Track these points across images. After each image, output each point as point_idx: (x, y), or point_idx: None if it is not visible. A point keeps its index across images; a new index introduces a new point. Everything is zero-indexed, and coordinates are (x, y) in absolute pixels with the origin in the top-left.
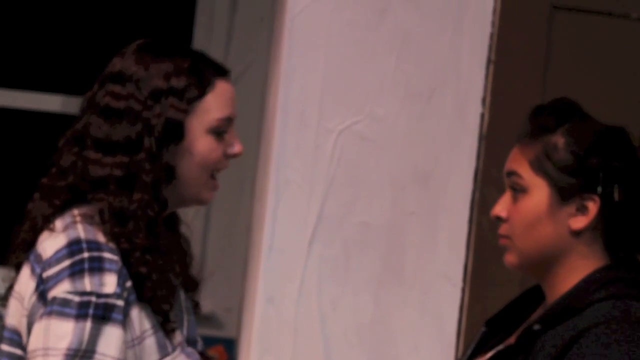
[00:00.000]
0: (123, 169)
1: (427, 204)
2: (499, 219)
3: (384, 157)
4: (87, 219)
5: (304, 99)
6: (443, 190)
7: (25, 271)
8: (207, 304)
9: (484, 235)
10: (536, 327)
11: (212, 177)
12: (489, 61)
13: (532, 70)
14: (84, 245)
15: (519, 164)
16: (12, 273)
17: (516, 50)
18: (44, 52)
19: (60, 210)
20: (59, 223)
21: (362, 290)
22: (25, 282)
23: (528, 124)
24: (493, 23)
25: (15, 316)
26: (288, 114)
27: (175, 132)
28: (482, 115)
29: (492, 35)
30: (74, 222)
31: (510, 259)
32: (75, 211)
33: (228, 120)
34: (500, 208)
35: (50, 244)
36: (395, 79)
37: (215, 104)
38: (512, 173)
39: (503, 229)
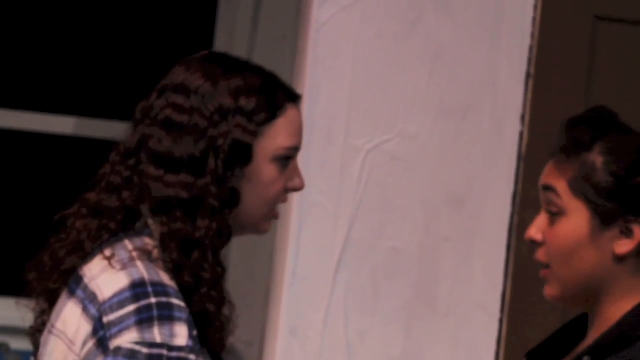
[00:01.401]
0: (189, 190)
1: (461, 229)
2: (534, 243)
3: (416, 179)
4: (145, 255)
5: (330, 116)
6: (479, 214)
7: (72, 308)
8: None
9: (523, 262)
10: (586, 359)
11: (274, 206)
12: (528, 75)
13: (574, 85)
14: (150, 289)
15: (557, 180)
16: (41, 301)
17: (557, 63)
18: (54, 71)
19: (112, 236)
20: (115, 257)
21: (392, 321)
22: (75, 322)
23: (563, 137)
24: (532, 35)
25: (58, 359)
26: (313, 131)
27: (242, 155)
28: (521, 134)
29: (531, 47)
30: (132, 259)
31: (550, 291)
32: (129, 244)
33: (295, 150)
34: (535, 230)
35: (108, 282)
36: (427, 94)
37: (284, 130)
38: (548, 188)
39: (540, 255)
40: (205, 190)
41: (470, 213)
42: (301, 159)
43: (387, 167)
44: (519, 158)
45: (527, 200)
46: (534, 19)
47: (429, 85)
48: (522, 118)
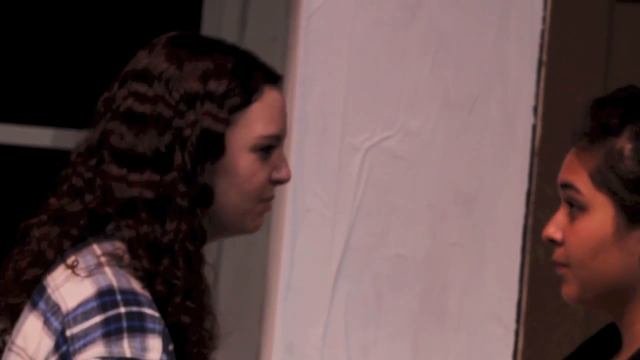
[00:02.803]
0: (153, 189)
1: (471, 233)
2: (552, 242)
3: (420, 178)
4: (115, 260)
5: (325, 112)
6: (490, 216)
7: (33, 322)
8: (218, 357)
9: (540, 268)
10: None
11: (261, 200)
12: (540, 63)
13: (591, 72)
14: (119, 297)
15: (576, 174)
16: (2, 319)
17: (571, 49)
18: (31, 80)
19: (76, 243)
20: (80, 263)
21: (397, 336)
22: (35, 337)
23: (587, 120)
24: (544, 19)
25: None
26: (307, 130)
27: (213, 147)
28: (534, 127)
29: (543, 32)
30: (100, 265)
31: (568, 291)
32: (97, 248)
33: (276, 139)
34: (554, 228)
35: (72, 291)
36: (431, 86)
37: (262, 116)
38: (567, 185)
39: (558, 255)
40: (172, 188)
41: (480, 215)
42: (294, 160)
43: (388, 167)
44: (532, 153)
45: (542, 199)
46: (545, 1)
47: (432, 76)
48: (535, 110)
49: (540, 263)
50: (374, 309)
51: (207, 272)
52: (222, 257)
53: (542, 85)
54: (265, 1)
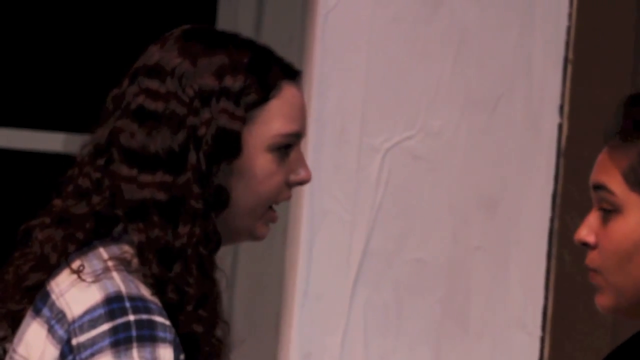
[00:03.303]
0: (166, 191)
1: (495, 237)
2: (585, 246)
3: (442, 180)
4: (123, 265)
5: (343, 112)
6: (514, 219)
7: (37, 329)
8: None
9: (566, 273)
10: None
11: (270, 207)
12: (565, 60)
13: (619, 69)
14: (128, 304)
15: (609, 175)
16: (2, 326)
17: (599, 46)
18: (41, 84)
19: (82, 247)
20: (86, 267)
21: (418, 344)
22: (39, 345)
23: (619, 118)
24: (570, 15)
25: None
26: (324, 130)
27: (229, 146)
28: (560, 127)
29: (569, 29)
30: (107, 269)
31: (603, 301)
32: (104, 252)
33: (296, 137)
34: (587, 231)
35: (77, 297)
36: (452, 84)
37: (280, 113)
38: (599, 187)
39: (591, 260)
40: (186, 189)
41: (504, 218)
42: (312, 162)
43: (408, 168)
44: (558, 154)
45: (569, 201)
46: None
47: (454, 74)
48: (561, 109)
49: (566, 268)
50: (394, 316)
51: (220, 278)
52: (238, 263)
53: (568, 83)
54: (281, 1)
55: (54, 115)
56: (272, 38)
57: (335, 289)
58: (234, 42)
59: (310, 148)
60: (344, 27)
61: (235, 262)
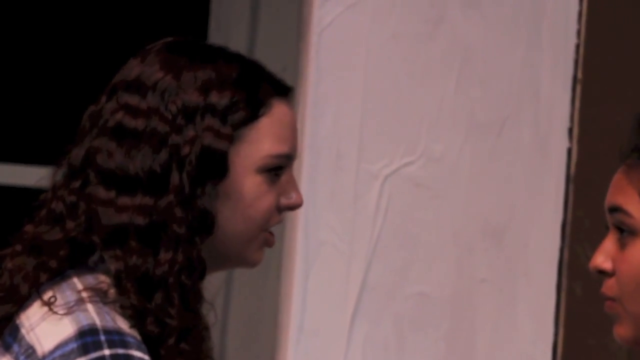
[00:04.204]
0: (146, 215)
1: (502, 268)
2: (602, 274)
3: (445, 208)
4: (98, 296)
5: (339, 136)
6: (522, 249)
7: None
8: None
9: (578, 306)
10: None
11: (266, 228)
12: (575, 80)
13: (631, 89)
14: (103, 338)
15: (625, 195)
16: None
17: (610, 64)
18: (27, 118)
19: (55, 276)
20: (58, 298)
21: None
22: None
23: (635, 136)
24: (579, 32)
25: None
26: (319, 155)
27: (215, 167)
28: (569, 151)
29: (577, 47)
30: (81, 301)
31: (622, 331)
32: (78, 282)
33: (286, 158)
34: (603, 258)
35: (49, 331)
36: (455, 106)
37: (270, 132)
38: (616, 209)
39: (608, 287)
40: (167, 213)
41: (511, 248)
42: (306, 189)
43: (409, 196)
44: (568, 179)
45: (579, 230)
46: (580, 12)
47: (457, 95)
48: (570, 132)
49: (577, 301)
50: (394, 353)
51: (208, 310)
52: (231, 297)
53: (577, 104)
54: (274, 17)
55: (42, 149)
56: (263, 56)
57: (332, 324)
58: (221, 56)
59: (305, 175)
60: (340, 45)
61: (228, 297)
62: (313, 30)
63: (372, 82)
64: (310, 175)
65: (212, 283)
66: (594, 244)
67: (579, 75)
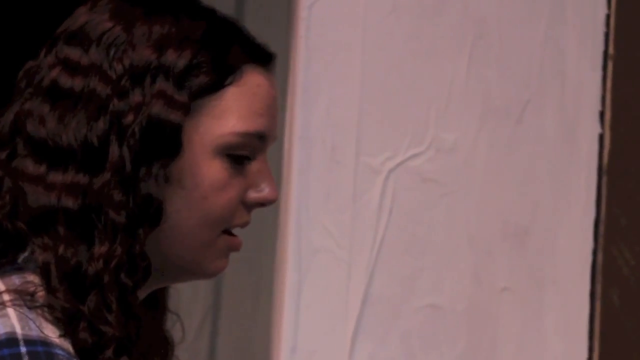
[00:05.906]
0: (77, 196)
1: (525, 274)
2: None
3: (458, 207)
4: (22, 299)
5: (334, 126)
6: (549, 254)
7: None
8: None
9: (614, 317)
10: None
11: (227, 228)
12: (605, 57)
13: None
14: (23, 350)
15: None
16: None
17: None
18: None
19: None
20: None
21: None
22: None
23: None
24: (608, 2)
25: None
26: (311, 148)
27: (164, 142)
28: (601, 138)
29: (608, 17)
30: (1, 305)
31: None
32: (0, 284)
33: (258, 139)
34: None
35: None
36: (468, 90)
37: (238, 106)
38: None
39: None
40: (103, 195)
41: (536, 252)
42: (297, 187)
43: (417, 193)
44: (600, 171)
45: (615, 229)
46: None
47: (470, 76)
48: (601, 116)
49: (614, 311)
50: None
51: (173, 325)
52: (219, 317)
53: (608, 84)
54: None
55: None
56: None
57: (330, 344)
58: (187, 10)
59: (296, 170)
60: (333, 21)
61: (216, 315)
62: (302, 4)
63: (371, 63)
64: (301, 170)
65: (197, 300)
66: (632, 244)
67: (610, 50)
